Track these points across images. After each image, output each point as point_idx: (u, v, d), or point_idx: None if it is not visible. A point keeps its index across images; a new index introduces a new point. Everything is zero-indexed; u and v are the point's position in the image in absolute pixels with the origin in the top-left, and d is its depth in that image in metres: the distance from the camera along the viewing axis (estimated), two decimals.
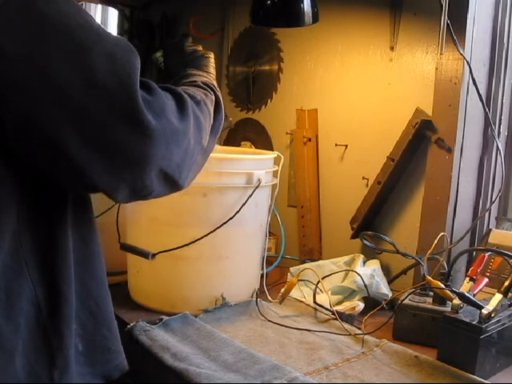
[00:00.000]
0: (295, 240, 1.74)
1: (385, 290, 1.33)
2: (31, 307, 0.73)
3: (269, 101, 1.86)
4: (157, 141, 0.72)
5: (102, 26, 0.72)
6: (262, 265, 1.39)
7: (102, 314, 0.84)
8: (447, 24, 1.31)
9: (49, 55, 0.64)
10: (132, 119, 0.70)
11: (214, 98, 0.93)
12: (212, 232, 1.20)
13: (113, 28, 2.89)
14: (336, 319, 1.22)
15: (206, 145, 0.87)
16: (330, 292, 1.34)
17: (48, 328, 0.74)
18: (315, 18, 1.43)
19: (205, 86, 0.93)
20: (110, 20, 3.05)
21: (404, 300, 1.17)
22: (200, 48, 1.12)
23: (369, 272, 1.35)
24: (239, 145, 1.93)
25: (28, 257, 0.73)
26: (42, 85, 0.64)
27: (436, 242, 1.27)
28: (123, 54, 0.70)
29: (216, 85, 0.99)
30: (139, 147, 0.71)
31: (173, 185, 0.81)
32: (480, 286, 1.13)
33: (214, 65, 1.09)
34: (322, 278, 1.32)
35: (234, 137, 1.96)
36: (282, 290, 1.35)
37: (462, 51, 1.30)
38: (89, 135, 0.68)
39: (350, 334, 1.17)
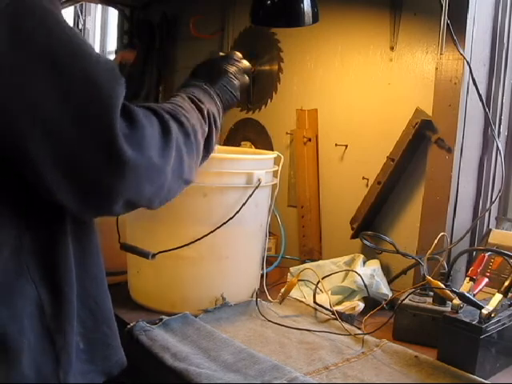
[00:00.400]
0: (295, 240, 1.74)
1: (385, 290, 1.33)
2: (35, 308, 0.74)
3: (269, 101, 1.86)
4: (128, 175, 0.70)
5: (94, 50, 0.70)
6: (262, 265, 1.39)
7: (101, 312, 0.84)
8: (447, 24, 1.31)
9: (28, 75, 0.64)
10: (106, 150, 0.68)
11: (207, 131, 0.90)
12: (212, 232, 1.19)
13: (113, 28, 2.89)
14: (336, 319, 1.22)
15: (186, 178, 0.85)
16: (330, 292, 1.34)
17: (52, 328, 0.75)
18: (315, 18, 1.43)
19: (206, 116, 0.90)
20: (109, 20, 3.06)
21: (404, 300, 1.17)
22: (240, 82, 1.03)
23: (369, 272, 1.35)
24: (239, 145, 1.93)
25: (29, 259, 0.73)
26: (17, 101, 0.64)
27: (436, 241, 1.27)
28: (106, 82, 0.69)
29: (219, 121, 0.95)
30: (109, 179, 0.69)
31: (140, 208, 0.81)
32: (480, 286, 1.13)
33: (234, 106, 1.04)
34: (322, 278, 1.32)
35: (234, 137, 1.96)
36: (282, 290, 1.35)
37: (462, 51, 1.30)
38: (59, 157, 0.67)
39: (350, 334, 1.17)
